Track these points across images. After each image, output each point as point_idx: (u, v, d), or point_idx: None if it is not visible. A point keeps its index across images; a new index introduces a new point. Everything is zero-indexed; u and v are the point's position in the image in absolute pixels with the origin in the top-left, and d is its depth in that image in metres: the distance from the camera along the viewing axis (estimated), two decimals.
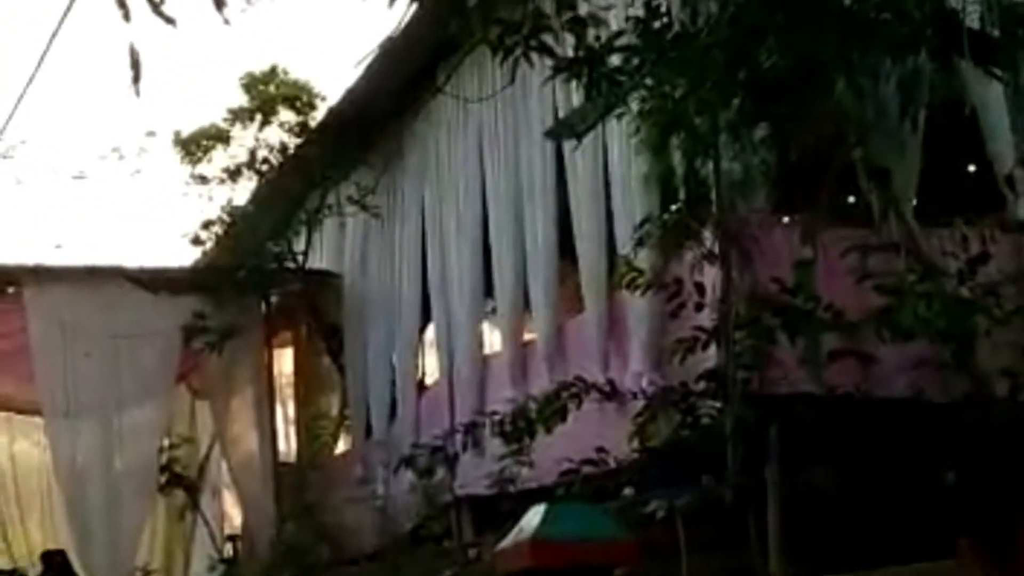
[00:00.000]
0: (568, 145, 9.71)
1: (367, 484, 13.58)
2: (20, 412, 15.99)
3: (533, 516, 6.47)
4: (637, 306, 8.54)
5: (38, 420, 16.97)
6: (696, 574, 7.64)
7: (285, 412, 15.14)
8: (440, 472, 9.94)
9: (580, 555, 6.33)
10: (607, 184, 9.51)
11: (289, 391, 15.18)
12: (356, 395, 14.08)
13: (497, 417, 8.62)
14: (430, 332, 13.00)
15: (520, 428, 8.07)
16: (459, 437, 9.12)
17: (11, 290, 13.73)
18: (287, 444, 15.03)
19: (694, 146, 7.23)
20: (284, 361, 15.05)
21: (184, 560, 15.47)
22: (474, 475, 9.95)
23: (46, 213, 25.49)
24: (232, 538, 15.59)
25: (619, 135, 8.84)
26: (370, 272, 13.92)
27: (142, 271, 14.21)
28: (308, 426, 14.65)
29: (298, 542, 13.30)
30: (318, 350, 14.75)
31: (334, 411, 14.86)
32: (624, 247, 8.60)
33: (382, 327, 13.54)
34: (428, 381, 13.28)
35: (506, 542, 6.51)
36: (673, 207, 7.73)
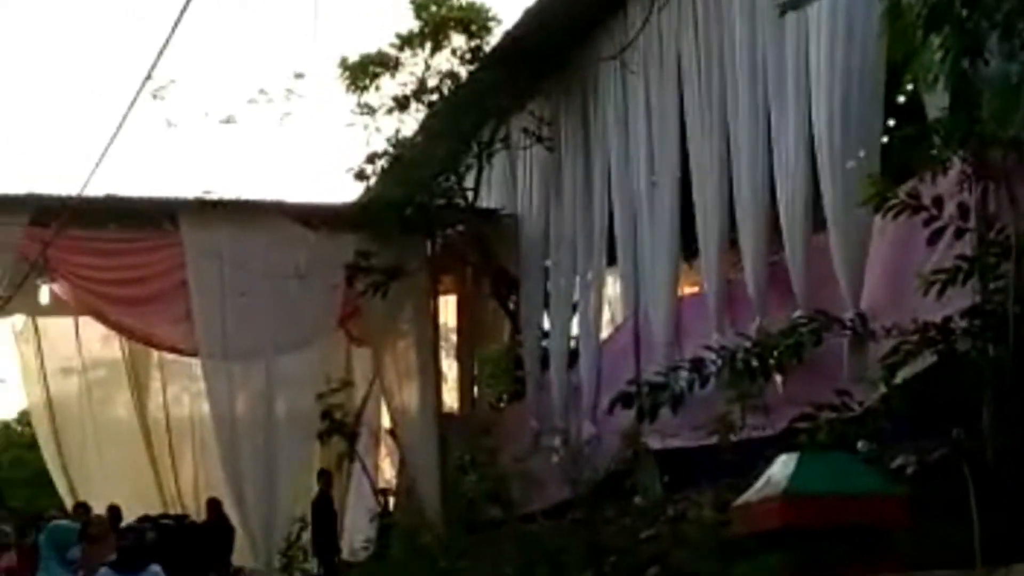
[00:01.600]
0: (773, 74, 8.90)
1: (543, 435, 12.86)
2: (174, 353, 15.49)
3: (782, 467, 5.51)
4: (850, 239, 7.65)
5: (193, 363, 16.73)
6: (947, 541, 6.69)
7: (450, 359, 14.37)
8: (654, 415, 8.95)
9: (842, 512, 5.37)
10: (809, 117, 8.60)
11: (454, 337, 14.42)
12: (530, 341, 13.33)
13: (711, 356, 7.74)
14: (611, 275, 12.20)
15: (753, 367, 7.17)
16: (683, 374, 8.19)
17: (168, 226, 13.20)
18: (451, 394, 14.28)
19: (959, 44, 6.22)
20: (449, 305, 14.32)
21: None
22: (672, 425, 9.12)
23: (197, 156, 25.03)
24: (384, 491, 14.97)
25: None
26: (546, 211, 13.12)
27: (303, 207, 13.64)
28: (475, 374, 13.94)
29: (471, 496, 12.64)
30: (486, 294, 13.99)
31: (503, 358, 14.12)
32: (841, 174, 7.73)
33: (560, 269, 12.75)
34: (606, 326, 12.49)
35: (749, 496, 5.61)
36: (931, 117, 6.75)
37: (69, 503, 16.15)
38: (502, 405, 14.23)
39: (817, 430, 6.41)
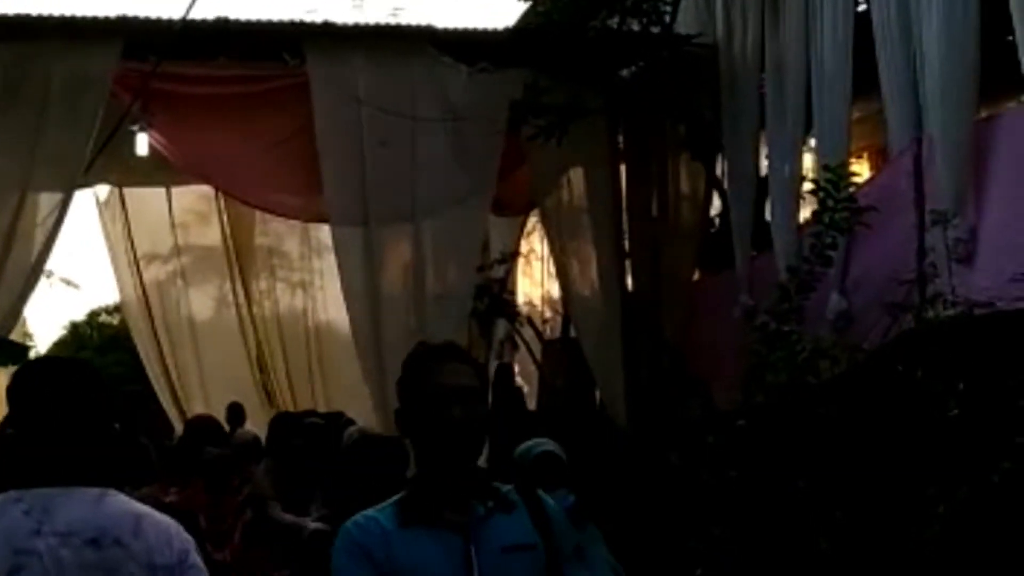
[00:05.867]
0: None
1: (755, 312, 10.61)
2: (297, 219, 13.32)
3: None
4: None
5: (306, 250, 14.63)
6: None
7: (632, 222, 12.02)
8: None
9: None
10: None
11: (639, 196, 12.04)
12: (738, 197, 10.99)
13: None
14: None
15: None
16: None
17: (292, 59, 10.91)
18: (635, 266, 11.96)
19: None
20: (634, 155, 11.95)
21: None
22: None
23: None
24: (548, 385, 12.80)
25: None
26: (760, 38, 10.71)
27: (457, 34, 11.32)
28: (668, 242, 11.65)
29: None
30: (679, 142, 11.61)
31: (696, 222, 11.82)
32: None
33: (780, 109, 10.34)
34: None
35: None
36: None
37: (173, 413, 14.19)
38: (702, 278, 11.91)
39: None
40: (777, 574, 6.56)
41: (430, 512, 3.23)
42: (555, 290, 14.65)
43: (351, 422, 11.01)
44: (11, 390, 3.45)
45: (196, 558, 3.36)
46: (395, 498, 3.29)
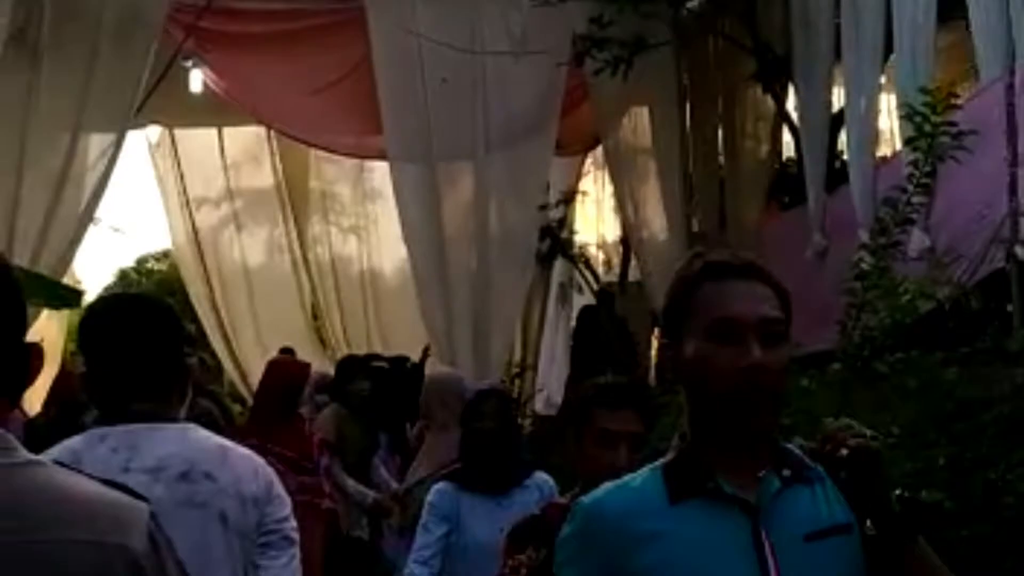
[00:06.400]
0: None
1: (824, 254, 10.27)
2: (355, 157, 13.01)
3: None
4: None
5: (360, 194, 14.33)
6: None
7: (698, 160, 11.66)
8: None
9: None
10: None
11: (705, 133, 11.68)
12: (811, 133, 10.58)
13: None
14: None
15: None
16: None
17: None
18: (702, 205, 11.61)
19: None
20: (701, 91, 11.57)
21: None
22: None
23: None
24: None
25: None
26: None
27: None
28: (736, 180, 11.29)
29: None
30: (749, 76, 11.21)
31: (766, 158, 11.44)
32: None
33: (857, 34, 9.90)
34: None
35: None
36: None
37: (225, 358, 13.97)
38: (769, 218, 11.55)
39: None
40: None
41: (706, 484, 2.32)
42: (609, 234, 14.35)
43: (418, 365, 10.75)
44: (85, 327, 3.38)
45: (280, 489, 3.36)
46: (655, 465, 2.38)
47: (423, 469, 6.67)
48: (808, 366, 9.12)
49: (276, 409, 7.01)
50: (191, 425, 3.31)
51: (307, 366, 7.77)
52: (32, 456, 1.94)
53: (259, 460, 3.36)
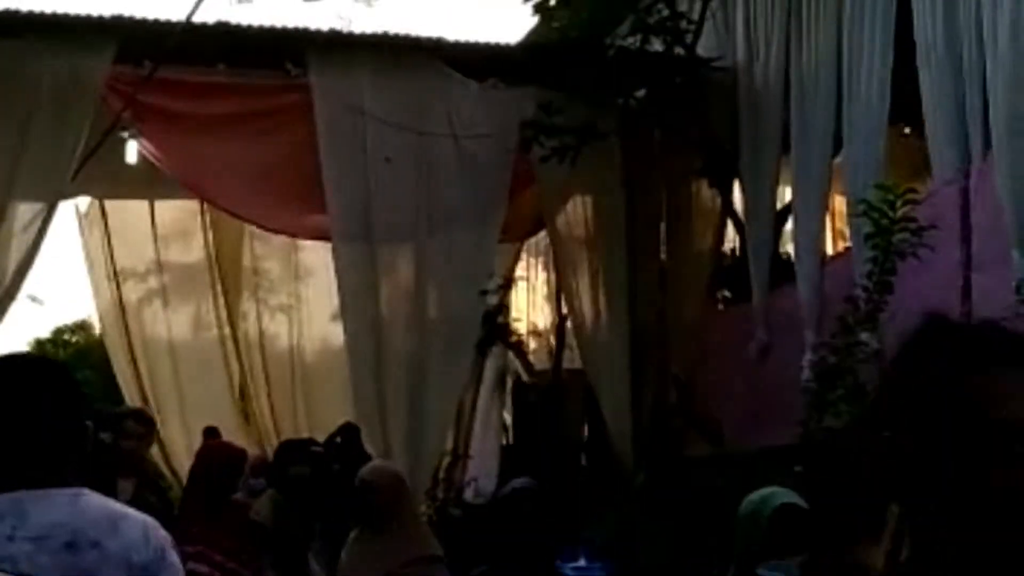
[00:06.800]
0: None
1: (766, 351, 10.22)
2: (294, 236, 12.75)
3: None
4: None
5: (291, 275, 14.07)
6: None
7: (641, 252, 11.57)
8: None
9: None
10: None
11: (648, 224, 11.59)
12: (756, 228, 10.54)
13: None
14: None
15: None
16: None
17: (294, 68, 10.40)
18: (643, 297, 11.49)
19: None
20: (646, 182, 11.49)
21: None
22: None
23: None
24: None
25: None
26: (784, 59, 10.28)
27: (465, 47, 10.87)
28: (678, 274, 11.19)
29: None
30: (694, 169, 11.16)
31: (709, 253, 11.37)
32: None
33: (807, 137, 9.90)
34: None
35: None
36: None
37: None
38: (715, 312, 11.46)
39: None
40: None
41: None
42: (541, 321, 14.20)
43: (356, 447, 10.46)
44: None
45: (173, 556, 3.23)
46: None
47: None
48: (754, 463, 9.02)
49: (212, 498, 6.69)
50: (84, 490, 3.17)
51: (243, 451, 7.48)
52: None
53: (154, 525, 3.23)
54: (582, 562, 7.92)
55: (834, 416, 6.69)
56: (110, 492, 4.50)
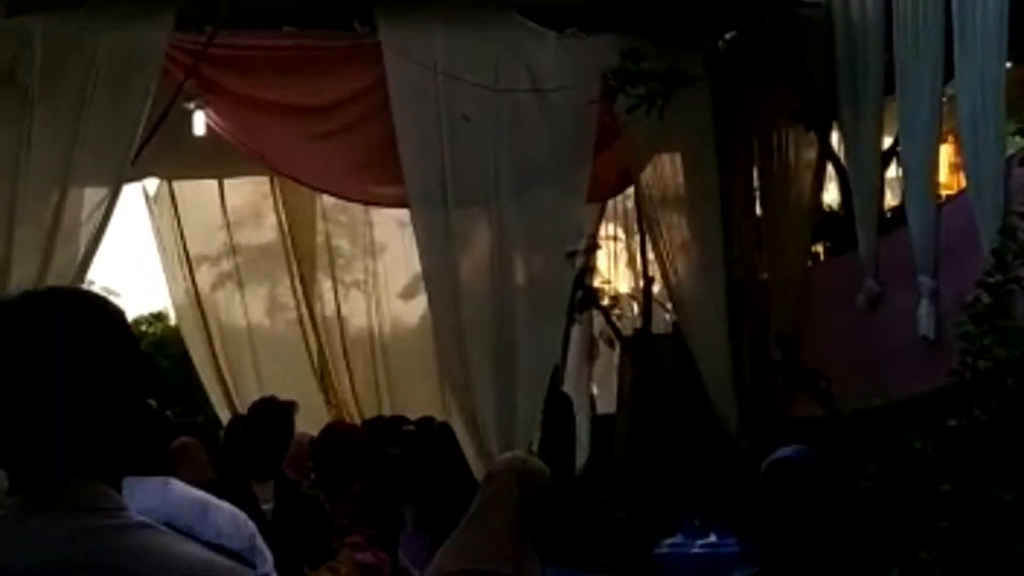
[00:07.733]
0: None
1: (881, 302, 9.56)
2: (370, 204, 12.24)
3: None
4: None
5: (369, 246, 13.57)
6: None
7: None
8: None
9: None
10: None
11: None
12: (860, 173, 9.85)
13: None
14: None
15: None
16: None
17: (362, 28, 9.86)
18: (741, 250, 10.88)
19: None
20: (739, 128, 10.85)
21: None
22: None
23: None
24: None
25: None
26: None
27: None
28: (776, 226, 10.57)
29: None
30: (790, 113, 10.48)
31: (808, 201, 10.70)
32: None
33: (912, 72, 9.15)
34: None
35: None
36: None
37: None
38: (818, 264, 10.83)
39: None
40: None
41: None
42: (622, 285, 13.61)
43: (445, 427, 9.94)
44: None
45: (263, 544, 3.34)
46: None
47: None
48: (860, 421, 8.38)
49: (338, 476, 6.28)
50: (170, 478, 3.33)
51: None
52: (142, 518, 1.95)
53: (242, 516, 3.35)
54: (712, 538, 7.35)
55: (988, 361, 6.01)
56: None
